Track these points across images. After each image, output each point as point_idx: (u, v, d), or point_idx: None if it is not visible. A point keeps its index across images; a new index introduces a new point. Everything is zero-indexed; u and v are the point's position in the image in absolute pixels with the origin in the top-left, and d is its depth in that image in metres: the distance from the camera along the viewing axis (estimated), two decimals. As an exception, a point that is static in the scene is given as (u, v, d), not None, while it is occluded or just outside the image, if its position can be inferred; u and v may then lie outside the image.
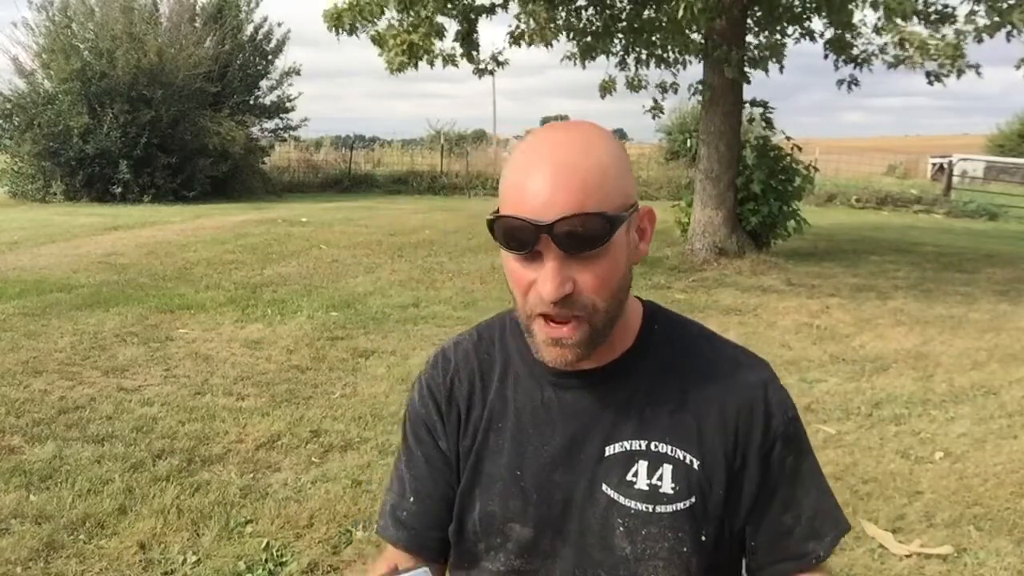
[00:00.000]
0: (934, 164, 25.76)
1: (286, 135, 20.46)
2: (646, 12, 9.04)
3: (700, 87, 9.24)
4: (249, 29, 18.72)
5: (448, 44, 8.57)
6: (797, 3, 9.18)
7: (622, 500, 0.92)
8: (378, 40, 8.26)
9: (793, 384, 4.60)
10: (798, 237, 9.80)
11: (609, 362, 0.95)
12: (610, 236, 0.83)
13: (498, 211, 0.86)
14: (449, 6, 8.26)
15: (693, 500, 0.92)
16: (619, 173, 0.85)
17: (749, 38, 9.29)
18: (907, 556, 2.79)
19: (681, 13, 6.76)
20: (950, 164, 21.34)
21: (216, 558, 2.67)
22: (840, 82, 9.25)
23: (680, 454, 0.93)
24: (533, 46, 8.15)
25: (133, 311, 6.07)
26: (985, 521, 3.06)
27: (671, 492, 0.92)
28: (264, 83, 19.14)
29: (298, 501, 3.10)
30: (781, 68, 9.45)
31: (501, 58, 9.28)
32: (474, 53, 8.96)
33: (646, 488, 0.92)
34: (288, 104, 19.30)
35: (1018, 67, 7.61)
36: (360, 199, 17.68)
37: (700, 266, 8.65)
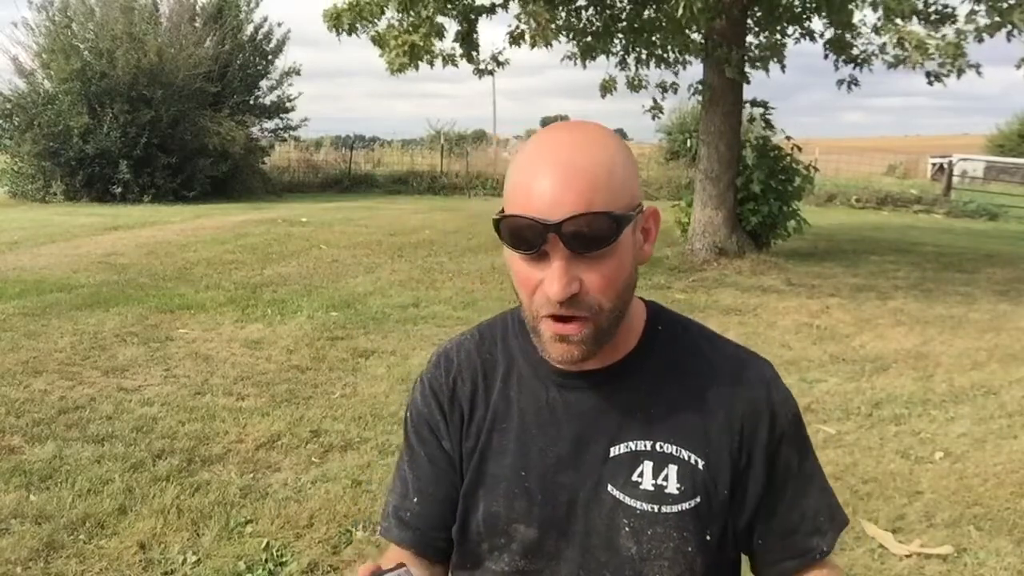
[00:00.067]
0: (934, 164, 25.77)
1: (286, 135, 20.47)
2: (646, 12, 9.04)
3: (700, 87, 9.24)
4: (249, 29, 18.73)
5: (448, 44, 8.59)
6: (797, 3, 9.18)
7: (628, 501, 0.92)
8: (379, 41, 8.26)
9: (793, 384, 4.60)
10: (798, 237, 9.81)
11: (613, 363, 0.95)
12: (617, 236, 0.83)
13: (503, 211, 0.86)
14: (449, 6, 8.26)
15: (698, 500, 0.92)
16: (625, 173, 0.85)
17: (749, 38, 9.29)
18: (907, 556, 2.79)
19: (680, 12, 6.76)
20: (950, 164, 21.35)
21: (216, 558, 2.67)
22: (840, 82, 9.25)
23: (685, 454, 0.93)
24: (536, 47, 8.13)
25: (133, 311, 6.07)
26: (985, 521, 3.06)
27: (676, 492, 0.92)
28: (264, 83, 19.16)
29: (298, 501, 3.10)
30: (783, 67, 9.45)
31: (501, 58, 9.29)
32: (474, 53, 8.97)
33: (651, 488, 0.92)
34: (288, 104, 19.33)
35: (1018, 67, 7.61)
36: (360, 199, 17.68)
37: (700, 266, 8.66)
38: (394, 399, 4.26)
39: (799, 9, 9.23)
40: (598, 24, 9.15)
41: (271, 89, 19.20)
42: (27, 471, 3.26)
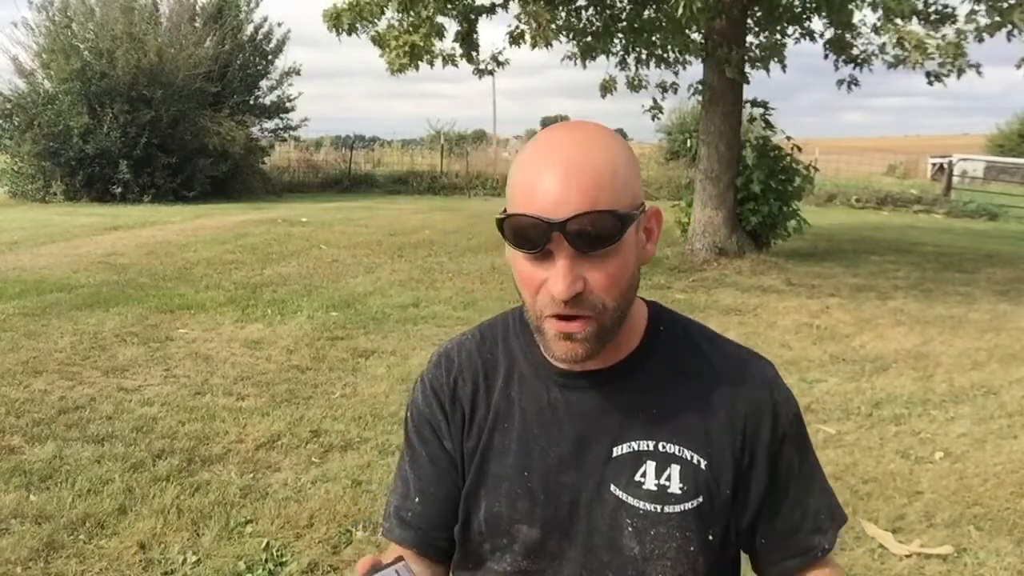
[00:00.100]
0: (934, 164, 25.77)
1: (286, 135, 20.48)
2: (646, 12, 9.04)
3: (700, 87, 9.24)
4: (249, 29, 18.73)
5: (448, 44, 8.59)
6: (797, 3, 9.18)
7: (631, 501, 0.92)
8: (379, 41, 8.27)
9: (793, 384, 4.60)
10: (798, 237, 9.81)
11: (615, 363, 0.95)
12: (621, 235, 0.83)
13: (507, 211, 0.86)
14: (449, 6, 8.26)
15: (700, 500, 0.92)
16: (628, 173, 0.85)
17: (749, 38, 9.29)
18: (907, 556, 2.79)
19: (680, 12, 6.76)
20: (950, 164, 21.35)
21: (216, 558, 2.67)
22: (840, 82, 9.25)
23: (688, 454, 0.93)
24: (536, 47, 8.13)
25: (133, 311, 6.07)
26: (985, 521, 3.06)
27: (679, 492, 0.92)
28: (264, 83, 19.17)
29: (298, 501, 3.10)
30: (783, 67, 9.45)
31: (501, 58, 9.30)
32: (474, 53, 8.97)
33: (654, 488, 0.92)
34: (288, 104, 19.33)
35: (1018, 67, 7.61)
36: (360, 199, 17.68)
37: (700, 266, 8.66)
38: (394, 399, 4.26)
39: (799, 9, 9.23)
40: (598, 24, 9.15)
41: (271, 89, 19.23)
42: (27, 471, 3.26)
